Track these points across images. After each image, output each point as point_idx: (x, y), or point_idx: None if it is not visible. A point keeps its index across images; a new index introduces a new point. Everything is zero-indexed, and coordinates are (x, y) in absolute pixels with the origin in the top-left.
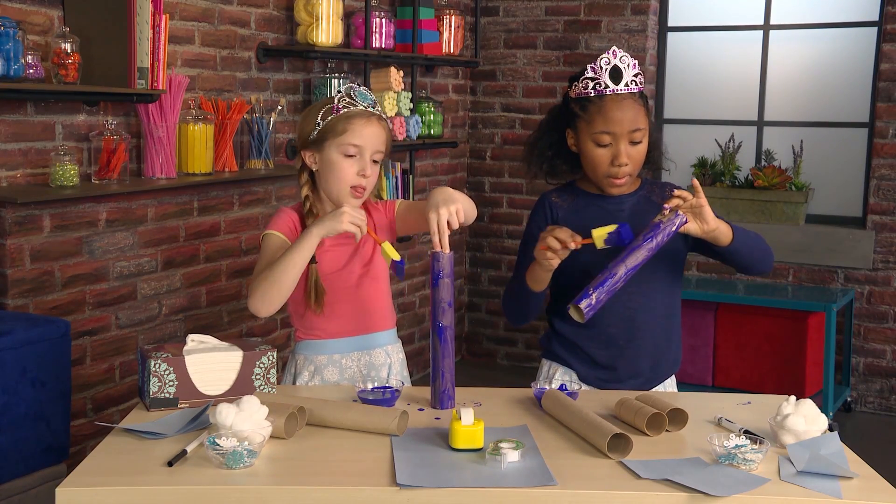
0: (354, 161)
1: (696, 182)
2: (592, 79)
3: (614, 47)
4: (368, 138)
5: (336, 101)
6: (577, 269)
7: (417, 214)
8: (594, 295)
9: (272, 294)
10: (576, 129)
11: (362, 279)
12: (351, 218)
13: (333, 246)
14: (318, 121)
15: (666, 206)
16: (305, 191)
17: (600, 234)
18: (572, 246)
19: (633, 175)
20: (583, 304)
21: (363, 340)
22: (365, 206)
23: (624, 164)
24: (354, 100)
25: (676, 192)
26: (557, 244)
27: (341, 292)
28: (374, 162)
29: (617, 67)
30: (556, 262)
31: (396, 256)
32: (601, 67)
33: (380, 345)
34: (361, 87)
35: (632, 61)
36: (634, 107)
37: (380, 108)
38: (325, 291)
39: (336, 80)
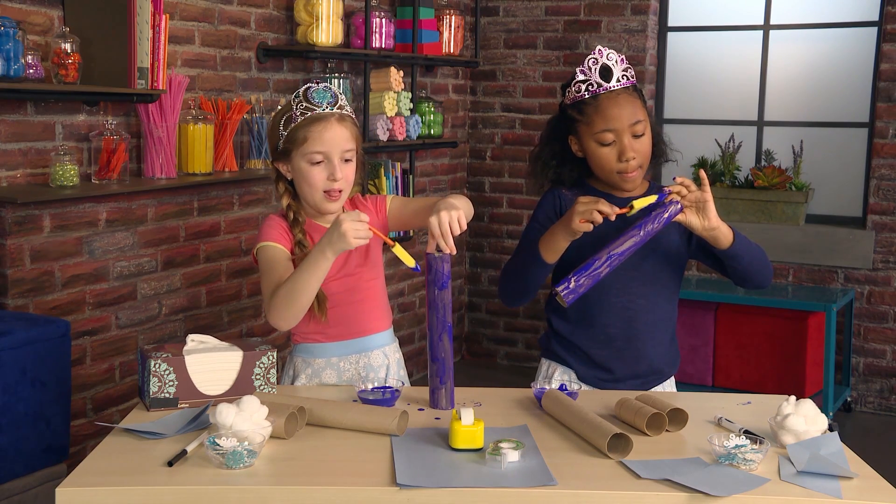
0: (322, 167)
1: (703, 174)
2: (584, 81)
3: (599, 46)
4: (331, 142)
5: (293, 107)
6: (577, 260)
7: (412, 213)
8: (573, 279)
9: (292, 312)
10: (577, 133)
11: (358, 282)
12: (354, 233)
13: None
14: (281, 132)
15: (666, 189)
16: (286, 200)
17: (640, 205)
18: (613, 217)
19: (643, 168)
20: (560, 288)
21: (360, 343)
22: (353, 204)
23: (631, 158)
24: (312, 102)
25: (678, 178)
26: (600, 217)
27: (338, 296)
28: (347, 160)
29: (606, 65)
30: (590, 228)
31: (411, 263)
32: (590, 68)
33: (377, 346)
34: (320, 85)
35: (619, 57)
36: (631, 100)
37: (343, 102)
38: (326, 298)
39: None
